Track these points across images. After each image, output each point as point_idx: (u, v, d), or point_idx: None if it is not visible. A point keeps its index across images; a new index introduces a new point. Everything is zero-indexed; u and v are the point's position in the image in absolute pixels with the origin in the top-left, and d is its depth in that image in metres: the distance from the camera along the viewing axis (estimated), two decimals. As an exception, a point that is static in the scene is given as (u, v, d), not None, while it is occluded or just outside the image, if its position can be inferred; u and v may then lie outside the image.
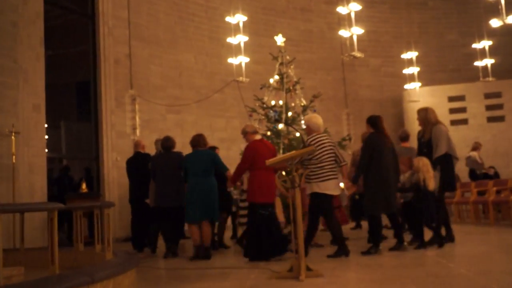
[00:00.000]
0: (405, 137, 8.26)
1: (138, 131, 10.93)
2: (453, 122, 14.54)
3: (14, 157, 7.60)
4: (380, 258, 5.63)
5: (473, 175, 11.38)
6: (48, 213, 3.75)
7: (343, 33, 10.46)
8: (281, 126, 8.45)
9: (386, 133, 6.09)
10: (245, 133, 6.33)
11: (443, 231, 6.33)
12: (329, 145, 5.86)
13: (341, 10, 10.21)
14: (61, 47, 12.11)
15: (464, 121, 14.54)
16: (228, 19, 11.11)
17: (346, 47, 10.34)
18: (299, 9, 15.27)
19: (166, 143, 6.97)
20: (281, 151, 8.04)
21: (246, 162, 5.94)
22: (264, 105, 8.81)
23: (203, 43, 13.05)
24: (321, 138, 5.86)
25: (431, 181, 5.93)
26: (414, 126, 14.76)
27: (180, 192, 6.67)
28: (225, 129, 12.55)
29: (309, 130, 6.10)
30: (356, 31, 10.05)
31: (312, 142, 5.78)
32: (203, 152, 6.57)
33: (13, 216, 6.91)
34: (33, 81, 8.30)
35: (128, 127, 10.89)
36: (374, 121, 6.14)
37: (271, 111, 8.65)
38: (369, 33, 14.47)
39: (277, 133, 8.46)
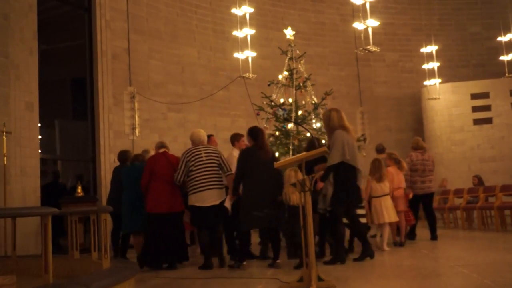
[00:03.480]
0: (381, 150, 8.63)
1: (137, 131, 10.97)
2: (477, 121, 14.49)
3: (5, 158, 7.65)
4: (397, 267, 5.60)
5: None
6: (42, 218, 3.77)
7: (358, 25, 10.42)
8: (290, 125, 8.44)
9: (265, 147, 6.22)
10: (155, 148, 7.09)
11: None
12: (207, 157, 6.33)
13: (355, 0, 10.19)
14: (56, 41, 12.19)
15: (489, 120, 14.46)
16: (234, 10, 11.11)
17: (360, 41, 10.30)
18: (310, -1, 15.27)
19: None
20: (290, 152, 8.04)
21: (145, 176, 6.55)
22: (272, 103, 8.80)
23: (207, 37, 13.08)
24: (196, 151, 6.36)
25: (292, 195, 5.83)
26: (433, 126, 14.82)
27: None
28: (231, 128, 12.52)
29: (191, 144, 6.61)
30: (371, 23, 10.01)
31: (187, 155, 6.33)
32: (138, 166, 7.20)
33: (4, 221, 6.95)
34: (25, 78, 8.34)
35: (126, 126, 10.94)
36: (255, 134, 6.25)
37: (280, 110, 8.65)
38: (385, 26, 14.45)
39: (286, 133, 8.46)
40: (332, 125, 6.14)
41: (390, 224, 7.36)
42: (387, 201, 7.24)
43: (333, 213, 6.11)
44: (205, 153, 6.36)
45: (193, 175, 6.25)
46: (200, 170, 6.25)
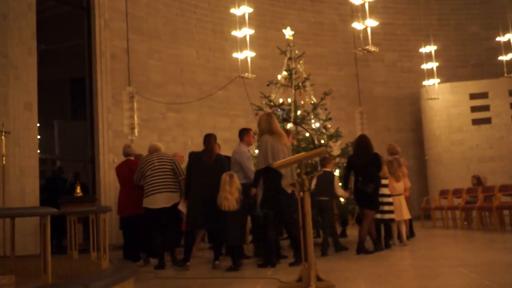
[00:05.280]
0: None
1: (136, 131, 10.96)
2: (475, 121, 14.48)
3: (4, 158, 7.64)
4: (396, 268, 5.61)
5: None
6: (41, 218, 3.76)
7: (357, 25, 10.43)
8: (289, 125, 8.44)
9: (211, 151, 6.44)
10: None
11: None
12: (160, 163, 6.77)
13: (354, 0, 10.19)
14: (55, 41, 12.17)
15: (487, 120, 14.46)
16: (233, 10, 11.11)
17: (359, 41, 10.31)
18: (309, -1, 15.27)
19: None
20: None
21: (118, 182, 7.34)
22: (272, 103, 8.80)
23: (206, 37, 13.07)
24: (149, 158, 6.84)
25: (225, 201, 5.94)
26: (432, 126, 14.83)
27: None
28: (230, 128, 12.54)
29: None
30: (370, 23, 10.02)
31: (142, 163, 6.84)
32: None
33: (3, 222, 6.95)
34: (24, 78, 8.34)
35: (125, 126, 10.93)
36: (204, 138, 6.57)
37: (279, 110, 8.65)
38: (384, 26, 14.44)
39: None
40: (261, 129, 6.37)
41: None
42: (402, 200, 7.71)
43: (264, 217, 6.18)
44: (158, 159, 6.80)
45: (147, 180, 6.70)
46: (153, 175, 6.70)
